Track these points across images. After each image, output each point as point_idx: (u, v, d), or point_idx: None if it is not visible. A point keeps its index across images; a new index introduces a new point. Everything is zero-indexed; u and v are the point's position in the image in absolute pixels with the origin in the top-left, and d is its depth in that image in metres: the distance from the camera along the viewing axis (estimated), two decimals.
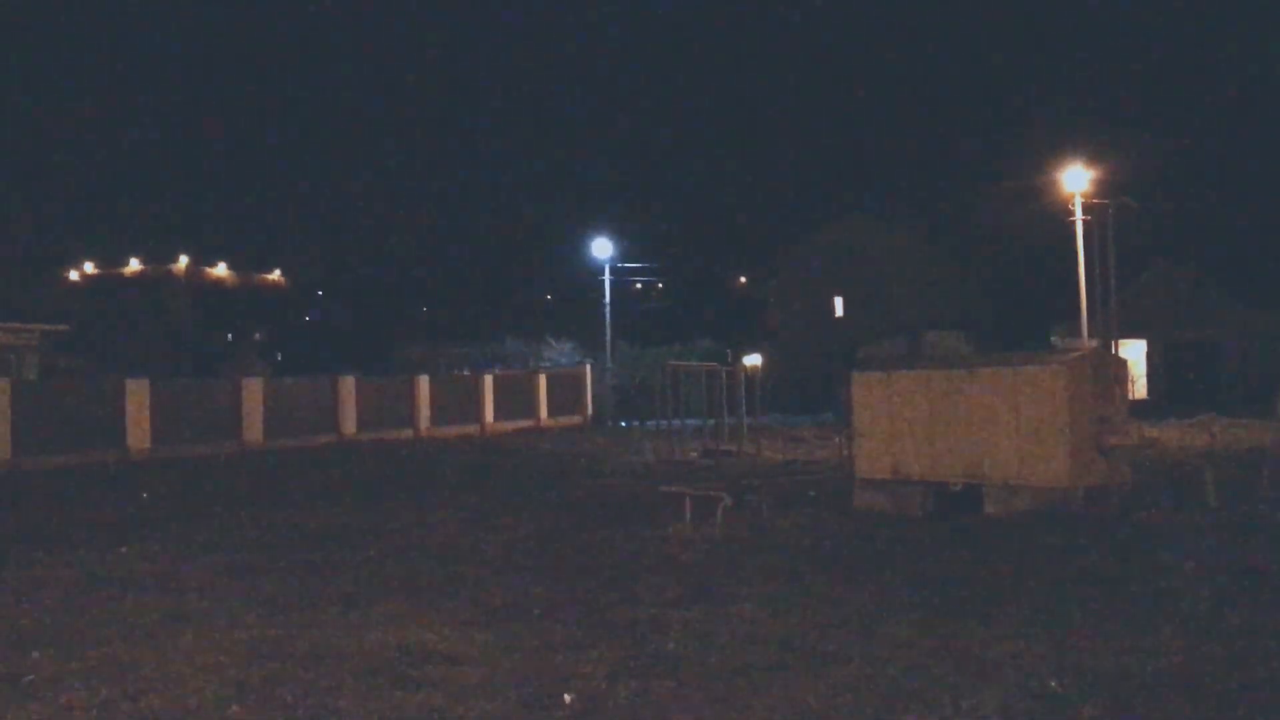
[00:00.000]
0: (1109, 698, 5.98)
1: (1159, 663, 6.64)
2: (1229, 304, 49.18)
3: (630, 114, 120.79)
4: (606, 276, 51.01)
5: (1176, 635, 7.28)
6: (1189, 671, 6.43)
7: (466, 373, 45.79)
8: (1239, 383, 45.32)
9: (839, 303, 61.27)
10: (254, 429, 30.12)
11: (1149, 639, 7.21)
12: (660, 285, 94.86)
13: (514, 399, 39.30)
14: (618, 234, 56.38)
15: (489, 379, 39.36)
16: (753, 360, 34.51)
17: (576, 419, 41.32)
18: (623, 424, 39.77)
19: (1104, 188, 39.88)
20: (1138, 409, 28.88)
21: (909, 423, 14.38)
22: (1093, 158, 40.45)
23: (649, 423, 35.35)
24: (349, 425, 32.80)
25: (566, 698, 6.32)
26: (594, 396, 43.60)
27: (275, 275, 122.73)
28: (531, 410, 39.77)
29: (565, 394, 41.91)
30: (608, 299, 50.30)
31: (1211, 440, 23.21)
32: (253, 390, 30.58)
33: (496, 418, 37.93)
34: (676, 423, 26.32)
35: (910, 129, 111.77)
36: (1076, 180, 38.91)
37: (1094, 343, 37.27)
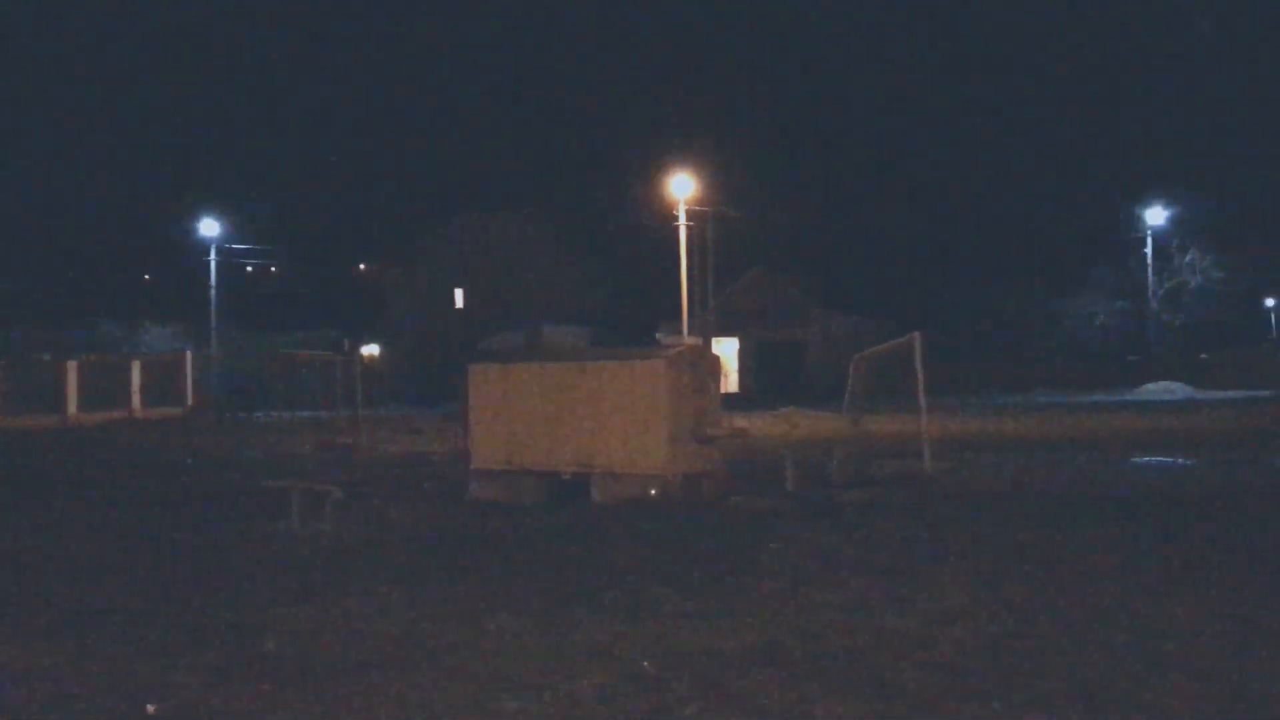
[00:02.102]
0: (697, 674, 6.40)
1: (743, 639, 7.18)
2: (812, 307, 54.16)
3: (249, 88, 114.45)
4: (213, 257, 48.12)
5: (760, 612, 7.92)
6: (770, 646, 7.00)
7: (47, 357, 41.60)
8: (819, 378, 50.01)
9: (459, 294, 61.43)
10: None
11: (734, 618, 7.79)
12: (275, 269, 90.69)
13: (103, 387, 36.18)
14: (230, 212, 53.29)
15: (73, 365, 35.99)
16: (371, 350, 33.83)
17: (177, 410, 38.68)
18: (230, 415, 37.68)
19: (708, 196, 42.69)
20: (730, 402, 31.14)
21: (525, 414, 14.68)
22: (699, 167, 43.18)
23: (258, 414, 33.73)
24: None
25: (150, 708, 5.91)
26: (198, 385, 41.00)
27: None
28: (124, 400, 36.77)
29: (164, 383, 39.10)
30: (214, 281, 47.45)
31: (793, 430, 25.45)
32: None
33: (81, 408, 34.76)
34: (289, 414, 25.29)
35: (535, 127, 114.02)
36: (682, 187, 41.37)
37: (693, 340, 39.74)
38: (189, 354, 41.77)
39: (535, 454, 14.54)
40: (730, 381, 49.43)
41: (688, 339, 39.34)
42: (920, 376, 17.25)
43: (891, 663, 6.56)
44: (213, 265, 46.96)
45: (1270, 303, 70.82)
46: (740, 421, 23.78)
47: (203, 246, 47.64)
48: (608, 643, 7.15)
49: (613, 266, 61.95)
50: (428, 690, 6.21)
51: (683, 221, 40.53)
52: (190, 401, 39.41)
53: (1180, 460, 19.01)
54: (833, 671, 6.41)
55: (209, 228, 47.28)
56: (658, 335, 49.06)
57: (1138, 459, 19.37)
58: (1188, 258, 62.46)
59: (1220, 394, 46.26)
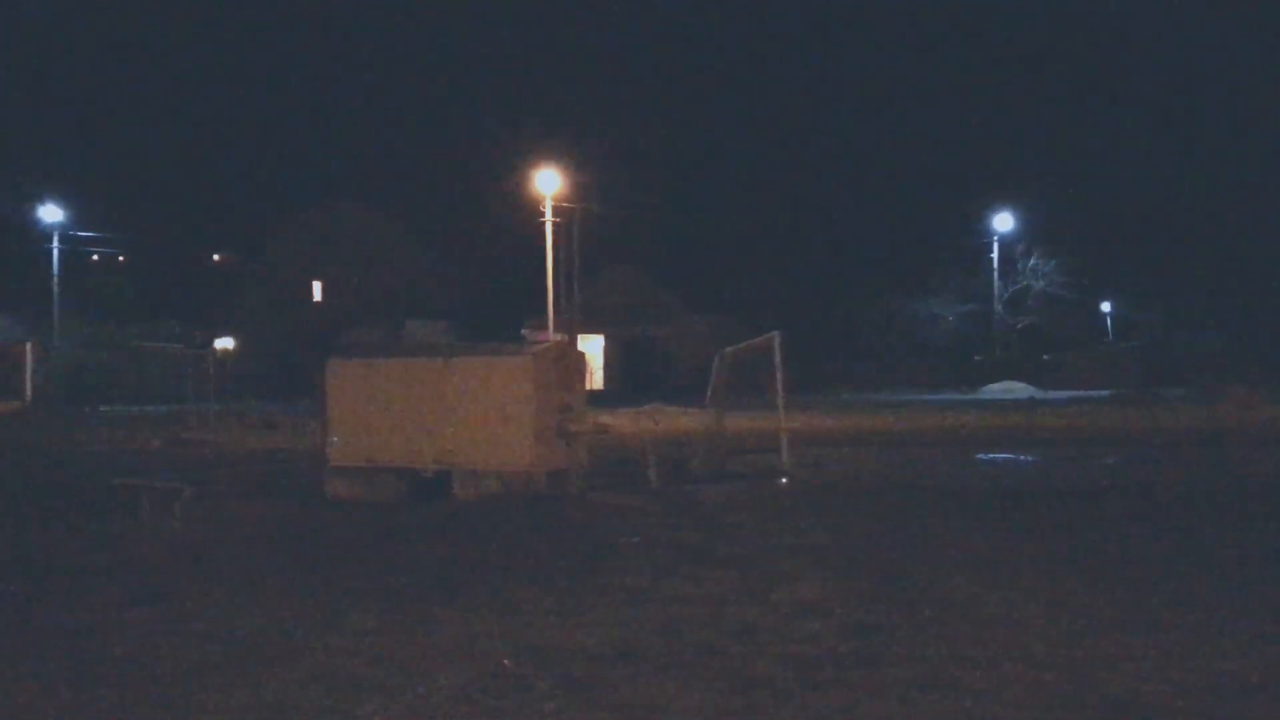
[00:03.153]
0: (559, 671, 6.42)
1: (603, 635, 7.24)
2: (676, 305, 54.74)
3: (97, 71, 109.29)
4: (55, 245, 45.95)
5: (620, 608, 7.99)
6: (629, 641, 7.07)
7: None
8: (682, 375, 50.60)
9: (318, 287, 60.06)
10: None
11: (595, 613, 7.84)
12: (122, 258, 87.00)
13: None
14: (75, 198, 50.93)
15: None
16: (225, 343, 32.83)
17: (15, 404, 36.82)
18: (74, 410, 36.04)
19: (575, 193, 42.70)
20: (595, 398, 31.20)
21: (385, 410, 14.47)
22: (566, 163, 43.13)
23: (104, 408, 32.36)
24: None
25: None
26: (38, 378, 39.11)
27: None
28: None
29: (2, 375, 37.20)
30: (56, 270, 45.32)
31: (656, 427, 25.71)
32: None
33: None
34: (137, 409, 24.36)
35: (400, 117, 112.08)
36: (548, 183, 41.28)
37: (559, 337, 39.75)
38: (29, 345, 39.80)
39: (396, 451, 14.34)
40: (595, 379, 49.61)
41: (553, 336, 39.36)
42: (779, 374, 17.62)
43: (748, 655, 6.71)
44: (55, 253, 44.83)
45: (1107, 306, 74.50)
46: (604, 418, 23.91)
47: (44, 233, 45.42)
48: (467, 641, 7.12)
49: (477, 262, 61.44)
50: (281, 693, 6.08)
51: (549, 218, 40.48)
52: (29, 394, 37.60)
53: (1023, 457, 19.89)
54: (691, 665, 6.52)
55: (51, 214, 45.10)
56: (523, 332, 48.91)
57: (982, 455, 20.19)
58: (1031, 262, 65.24)
59: (1060, 393, 48.49)
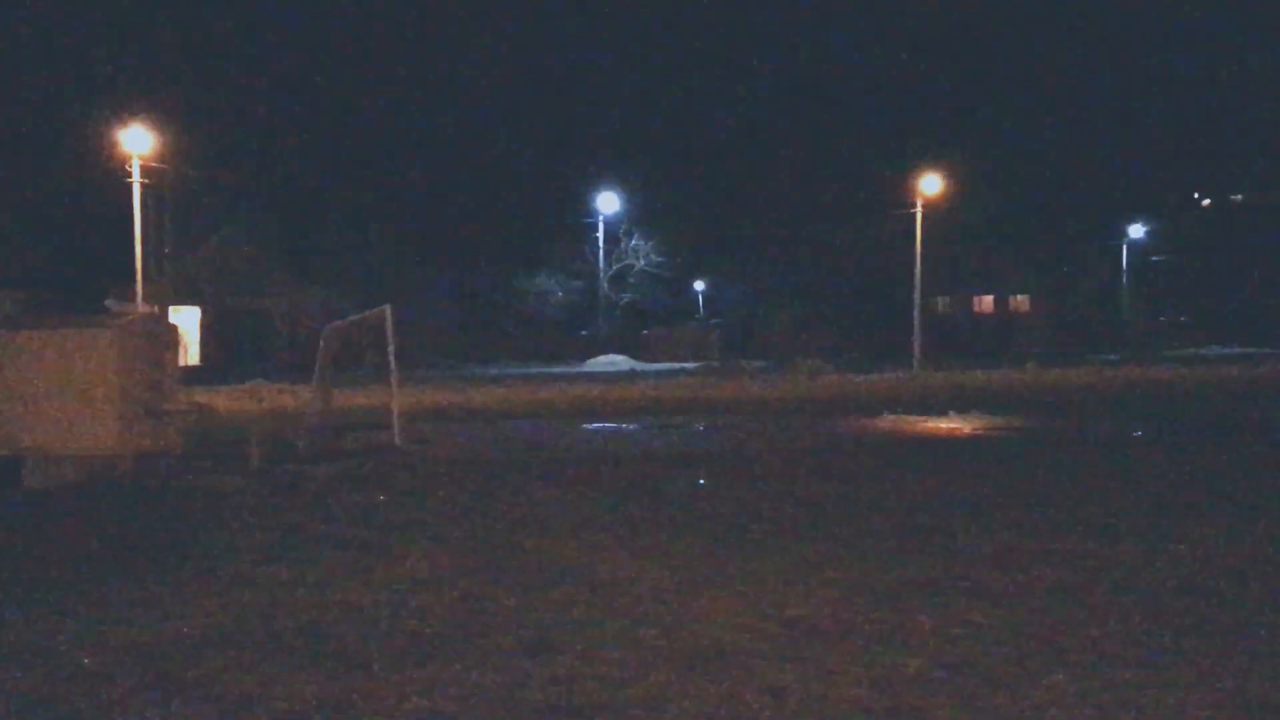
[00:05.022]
0: (146, 666, 6.00)
1: (198, 624, 6.84)
2: (282, 277, 52.42)
3: None
4: None
5: (219, 595, 7.58)
6: (228, 629, 6.73)
7: None
8: (288, 350, 48.60)
9: None
10: None
11: (190, 603, 7.39)
12: None
13: None
14: None
15: None
16: None
17: None
18: None
19: (169, 154, 39.56)
20: (192, 376, 29.33)
21: None
22: (158, 120, 39.77)
23: None
24: None
25: None
26: None
27: None
28: None
29: None
30: None
31: (260, 405, 24.56)
32: None
33: None
34: None
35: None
36: (137, 141, 37.96)
37: (148, 308, 36.93)
38: None
39: None
40: (191, 354, 46.62)
41: (142, 307, 36.41)
42: (391, 349, 17.38)
43: (356, 635, 6.58)
44: None
45: (700, 285, 79.67)
46: (202, 396, 22.56)
47: None
48: (42, 642, 6.49)
49: (56, 224, 55.53)
50: None
51: (136, 178, 37.23)
52: None
53: (625, 426, 20.91)
54: (295, 649, 6.31)
55: None
56: (108, 303, 44.87)
57: (588, 425, 21.02)
58: (632, 243, 68.54)
59: (657, 366, 51.36)
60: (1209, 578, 7.77)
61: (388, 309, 17.62)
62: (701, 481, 12.75)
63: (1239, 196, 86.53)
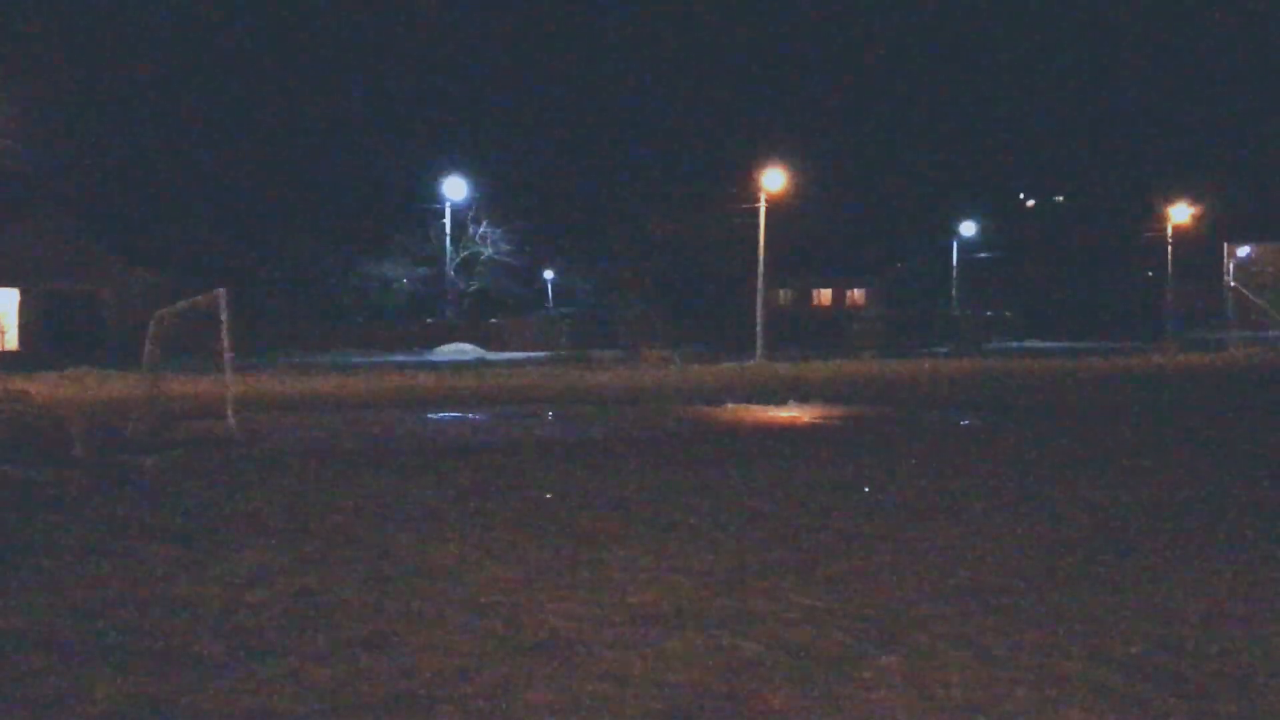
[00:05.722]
0: None
1: (15, 624, 6.49)
2: (110, 258, 50.01)
3: None
4: None
5: (33, 594, 7.20)
6: (43, 628, 6.41)
7: None
8: (116, 335, 46.40)
9: None
10: None
11: (8, 601, 7.00)
12: None
13: None
14: None
15: None
16: None
17: None
18: None
19: None
20: (9, 361, 27.74)
21: None
22: None
23: None
24: None
25: None
26: None
27: None
28: None
29: None
30: None
31: (85, 392, 23.39)
32: None
33: None
34: None
35: None
36: None
37: None
38: None
39: None
40: (9, 338, 44.11)
41: None
42: (225, 335, 16.79)
43: (184, 632, 6.34)
44: None
45: (549, 275, 79.39)
46: (20, 383, 21.40)
47: None
48: None
49: None
50: None
51: None
52: None
53: (471, 415, 20.69)
54: (118, 648, 6.04)
55: None
56: None
57: (433, 415, 20.72)
58: (481, 230, 67.79)
59: (505, 355, 51.02)
60: (1033, 559, 8.18)
61: (221, 293, 17.00)
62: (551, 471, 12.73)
63: (1061, 198, 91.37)
